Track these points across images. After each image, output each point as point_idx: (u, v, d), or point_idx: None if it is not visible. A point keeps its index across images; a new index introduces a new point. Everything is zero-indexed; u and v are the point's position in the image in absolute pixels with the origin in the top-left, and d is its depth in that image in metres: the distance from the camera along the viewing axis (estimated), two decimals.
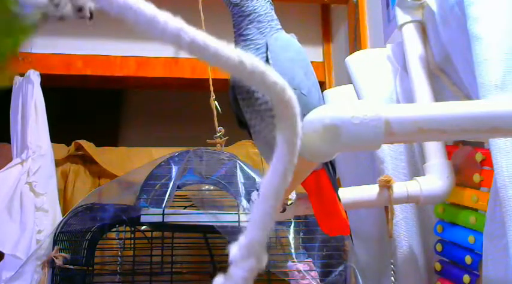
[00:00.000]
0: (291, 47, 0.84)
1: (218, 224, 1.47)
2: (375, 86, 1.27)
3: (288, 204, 0.93)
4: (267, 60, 0.80)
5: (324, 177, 0.90)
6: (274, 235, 1.54)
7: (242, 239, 0.45)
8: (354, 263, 1.43)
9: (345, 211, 0.95)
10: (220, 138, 1.70)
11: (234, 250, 0.45)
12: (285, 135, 0.45)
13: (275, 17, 0.86)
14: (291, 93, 0.43)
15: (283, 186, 0.45)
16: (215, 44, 0.38)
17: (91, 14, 0.40)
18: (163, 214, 1.47)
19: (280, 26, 0.85)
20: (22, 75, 1.98)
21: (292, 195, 0.93)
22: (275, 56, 0.80)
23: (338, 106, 0.51)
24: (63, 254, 1.45)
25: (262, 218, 0.45)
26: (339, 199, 0.92)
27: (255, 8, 0.83)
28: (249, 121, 0.84)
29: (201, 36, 0.37)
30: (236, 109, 0.87)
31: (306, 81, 0.83)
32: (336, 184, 0.93)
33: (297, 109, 0.45)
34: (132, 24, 0.36)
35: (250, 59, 0.40)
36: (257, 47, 0.81)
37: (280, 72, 0.81)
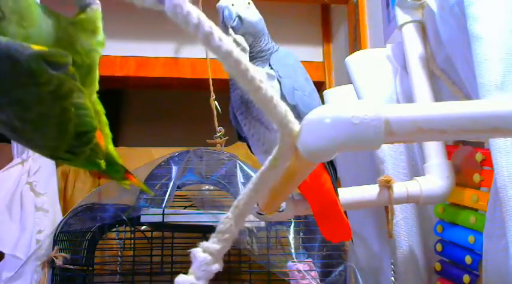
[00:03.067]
0: (291, 56, 0.91)
1: (218, 224, 1.47)
2: (375, 86, 1.27)
3: (280, 210, 0.93)
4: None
5: (326, 180, 0.91)
6: (274, 235, 1.55)
7: (211, 246, 0.48)
8: (354, 263, 1.43)
9: (345, 213, 0.95)
10: (220, 138, 1.70)
11: (202, 255, 0.49)
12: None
13: (271, 40, 0.91)
14: (292, 117, 0.49)
15: (257, 198, 0.49)
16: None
17: None
18: (163, 214, 1.47)
19: (277, 46, 0.91)
20: None
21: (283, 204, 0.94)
22: (278, 63, 0.87)
23: (338, 106, 0.51)
24: (63, 254, 1.45)
25: (234, 230, 0.49)
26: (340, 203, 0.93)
27: (260, 45, 0.88)
28: (247, 132, 0.89)
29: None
30: (235, 123, 0.94)
31: (307, 86, 0.89)
32: (337, 187, 0.93)
33: (292, 122, 0.49)
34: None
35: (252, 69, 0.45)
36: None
37: (285, 75, 0.86)
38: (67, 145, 0.72)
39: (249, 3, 0.87)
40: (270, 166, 0.49)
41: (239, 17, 0.85)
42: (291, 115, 0.49)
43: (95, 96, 0.77)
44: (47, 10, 0.68)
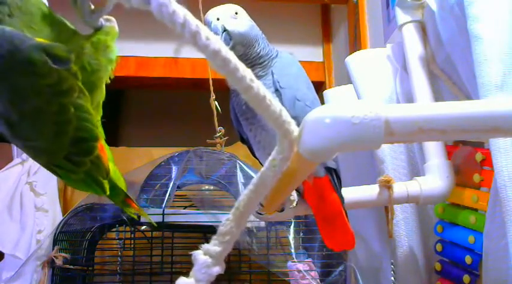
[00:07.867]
0: (294, 64, 0.90)
1: (218, 224, 1.47)
2: (375, 86, 1.27)
3: (291, 206, 0.93)
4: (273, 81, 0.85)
5: (328, 188, 0.90)
6: (274, 235, 1.55)
7: (212, 248, 0.48)
8: (354, 263, 1.43)
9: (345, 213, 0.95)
10: (220, 138, 1.70)
11: (203, 257, 0.48)
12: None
13: (267, 44, 0.89)
14: (287, 117, 0.48)
15: (258, 199, 0.49)
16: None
17: None
18: (163, 214, 1.48)
19: (277, 50, 0.89)
20: None
21: (294, 196, 0.93)
22: (279, 72, 0.85)
23: (338, 106, 0.51)
24: (63, 254, 1.45)
25: (235, 232, 0.49)
26: (345, 211, 0.92)
27: (255, 51, 0.85)
28: (252, 138, 0.89)
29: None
30: (237, 126, 0.92)
31: (310, 94, 0.88)
32: (341, 195, 0.92)
33: (292, 127, 0.49)
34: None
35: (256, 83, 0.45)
36: (261, 75, 0.86)
37: (286, 85, 0.85)
38: (65, 150, 0.70)
39: (236, 13, 0.84)
40: (269, 166, 0.49)
41: (226, 31, 0.82)
42: (286, 115, 0.48)
43: (98, 118, 0.75)
44: (62, 22, 0.69)
